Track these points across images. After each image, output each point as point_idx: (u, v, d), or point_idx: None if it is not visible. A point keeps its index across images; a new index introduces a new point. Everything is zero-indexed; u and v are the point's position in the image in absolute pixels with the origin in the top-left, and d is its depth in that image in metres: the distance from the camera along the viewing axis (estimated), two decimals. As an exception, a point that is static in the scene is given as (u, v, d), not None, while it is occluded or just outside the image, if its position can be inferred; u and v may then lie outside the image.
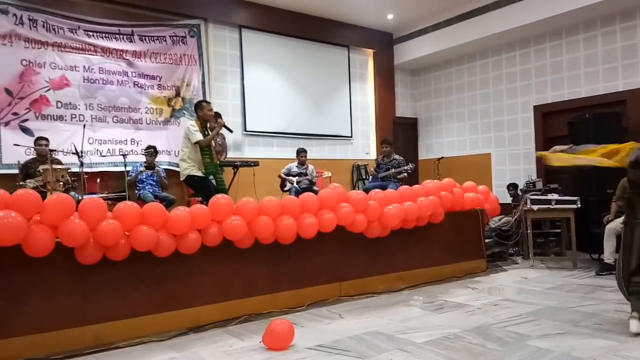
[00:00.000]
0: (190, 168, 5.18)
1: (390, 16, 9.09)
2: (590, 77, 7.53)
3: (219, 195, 4.16)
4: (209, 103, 5.49)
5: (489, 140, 9.01)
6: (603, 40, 7.35)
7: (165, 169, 6.98)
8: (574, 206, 5.86)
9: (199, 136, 5.14)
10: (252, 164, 6.70)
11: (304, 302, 4.33)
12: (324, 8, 8.58)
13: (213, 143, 5.40)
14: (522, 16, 7.63)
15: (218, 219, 3.92)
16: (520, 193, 7.02)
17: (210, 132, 5.29)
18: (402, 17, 9.15)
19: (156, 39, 7.44)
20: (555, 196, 6.04)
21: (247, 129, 8.14)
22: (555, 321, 3.70)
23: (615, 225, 5.25)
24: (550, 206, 5.92)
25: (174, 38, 7.57)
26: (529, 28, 7.82)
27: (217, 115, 6.97)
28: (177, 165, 7.14)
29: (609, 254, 5.29)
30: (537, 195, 6.20)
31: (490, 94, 8.99)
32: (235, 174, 6.47)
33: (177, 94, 7.59)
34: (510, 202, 7.42)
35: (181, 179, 5.36)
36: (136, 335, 3.51)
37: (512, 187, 7.69)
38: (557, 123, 7.87)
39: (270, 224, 4.08)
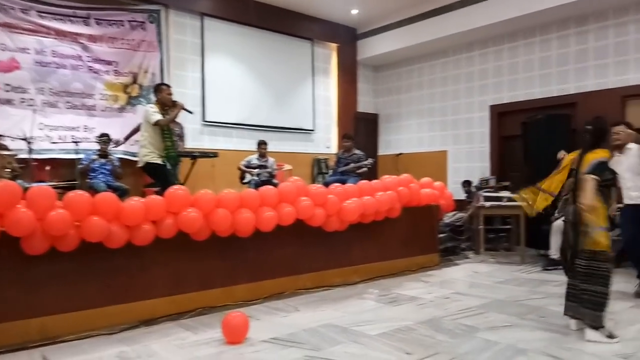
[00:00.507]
0: (150, 154, 5.01)
1: (354, 11, 9.13)
2: (544, 79, 7.82)
3: (176, 186, 4.08)
4: (168, 86, 5.32)
5: (446, 138, 9.22)
6: (558, 44, 7.64)
7: (119, 158, 6.77)
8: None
9: (158, 116, 4.96)
10: (211, 154, 6.59)
11: (261, 295, 4.32)
12: (289, 0, 8.52)
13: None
14: (483, 17, 7.83)
15: (174, 210, 3.85)
16: (474, 190, 7.23)
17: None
18: (366, 13, 9.20)
19: (113, 23, 7.18)
20: (506, 193, 6.26)
21: (207, 119, 8.01)
22: (503, 314, 3.85)
23: (561, 222, 5.48)
24: (502, 203, 6.13)
25: (133, 23, 7.33)
26: (488, 29, 8.03)
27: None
28: (133, 154, 6.98)
29: (555, 250, 5.53)
30: (490, 192, 6.41)
31: (449, 93, 9.19)
32: (193, 164, 6.35)
33: (134, 81, 7.36)
34: (464, 198, 7.64)
35: (139, 165, 5.19)
36: (84, 328, 3.41)
37: (466, 184, 7.91)
38: (511, 123, 8.14)
39: (228, 217, 4.05)
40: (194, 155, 6.35)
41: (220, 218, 4.01)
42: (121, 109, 7.26)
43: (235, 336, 3.22)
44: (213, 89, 8.09)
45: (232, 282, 4.23)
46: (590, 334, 3.23)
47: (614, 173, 3.39)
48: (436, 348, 3.11)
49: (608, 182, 3.34)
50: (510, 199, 6.12)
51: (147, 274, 3.80)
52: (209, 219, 3.98)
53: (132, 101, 7.34)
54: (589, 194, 3.19)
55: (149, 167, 5.08)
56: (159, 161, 5.03)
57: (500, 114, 8.42)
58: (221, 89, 8.20)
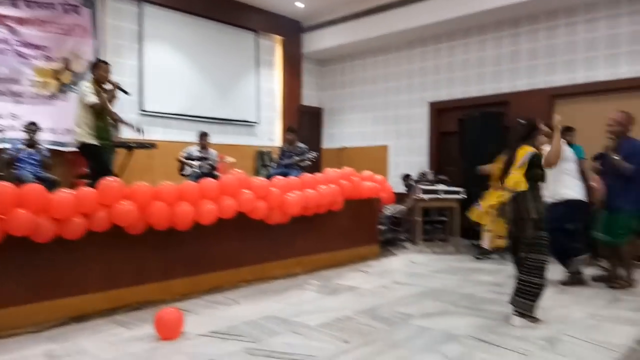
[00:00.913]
0: (85, 135, 4.71)
1: (299, 4, 9.10)
2: (479, 78, 8.15)
3: (110, 178, 3.92)
4: (107, 63, 5.05)
5: (387, 133, 9.42)
6: (493, 45, 7.98)
7: (49, 148, 6.40)
8: (459, 197, 6.34)
9: (93, 98, 4.68)
10: (149, 145, 6.37)
11: (200, 289, 4.25)
12: (231, -11, 8.37)
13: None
14: (423, 16, 8.02)
15: (107, 202, 3.70)
16: (413, 183, 7.45)
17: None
18: (311, 6, 9.19)
19: (44, 6, 6.75)
20: (443, 187, 6.49)
21: (145, 109, 7.73)
22: (437, 301, 4.00)
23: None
24: (439, 196, 6.36)
25: (66, 6, 6.92)
26: (428, 28, 8.26)
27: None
28: (62, 144, 6.64)
29: (486, 240, 5.80)
30: (428, 186, 6.62)
31: (390, 89, 9.38)
32: (129, 155, 6.11)
33: (67, 67, 6.96)
34: (404, 191, 7.84)
35: (75, 146, 4.89)
36: (9, 326, 3.22)
37: (406, 177, 8.12)
38: (449, 119, 8.43)
39: (165, 210, 3.94)
40: (130, 146, 6.12)
41: (157, 211, 3.90)
42: (51, 97, 6.84)
43: (168, 332, 3.14)
44: (152, 78, 7.81)
45: (169, 277, 4.14)
46: (516, 320, 3.42)
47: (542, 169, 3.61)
48: (373, 336, 3.19)
49: (539, 177, 3.54)
50: (447, 192, 6.35)
51: (78, 268, 3.63)
52: (145, 211, 3.86)
53: (63, 88, 6.93)
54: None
55: (85, 148, 4.79)
56: (94, 142, 4.76)
57: (439, 111, 8.70)
58: (161, 78, 7.94)
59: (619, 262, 4.63)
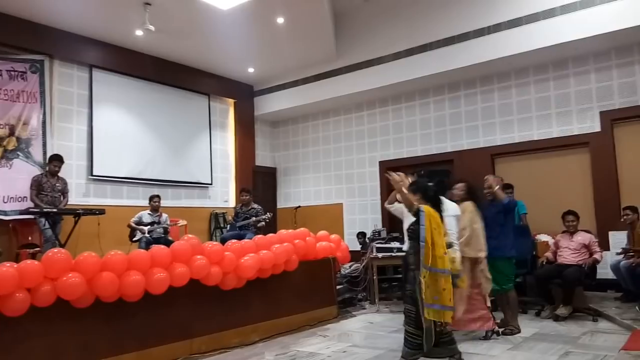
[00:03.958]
0: None
1: (251, 69, 9.39)
2: (424, 138, 8.57)
3: (56, 249, 3.77)
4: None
5: (340, 191, 9.61)
6: (435, 107, 8.48)
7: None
8: (413, 253, 6.46)
9: None
10: (97, 212, 6.20)
11: (151, 363, 4.04)
12: (184, 55, 8.55)
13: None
14: (368, 81, 8.48)
15: (52, 275, 3.54)
16: (367, 241, 7.54)
17: None
18: (262, 72, 9.51)
19: (-11, 73, 6.65)
20: (396, 244, 6.60)
21: (94, 174, 7.56)
22: (396, 364, 3.98)
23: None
24: (393, 254, 6.45)
25: (12, 73, 6.84)
26: (373, 92, 8.71)
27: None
28: (5, 213, 6.36)
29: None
30: (382, 243, 6.72)
31: (342, 148, 9.68)
32: (76, 222, 5.91)
33: (12, 133, 6.78)
34: (359, 249, 7.91)
35: None
36: None
37: (361, 235, 8.22)
38: (399, 177, 8.71)
39: (114, 281, 3.79)
40: (78, 213, 5.94)
41: (105, 283, 3.75)
42: (-5, 163, 6.60)
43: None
44: (102, 142, 7.71)
45: (119, 351, 3.92)
46: None
47: None
48: (333, 405, 3.11)
49: None
50: (399, 250, 6.45)
51: (20, 347, 3.39)
52: (92, 284, 3.71)
53: (7, 155, 6.72)
54: None
55: None
56: None
57: (388, 170, 8.98)
58: (111, 142, 7.84)
59: (508, 307, 4.84)
